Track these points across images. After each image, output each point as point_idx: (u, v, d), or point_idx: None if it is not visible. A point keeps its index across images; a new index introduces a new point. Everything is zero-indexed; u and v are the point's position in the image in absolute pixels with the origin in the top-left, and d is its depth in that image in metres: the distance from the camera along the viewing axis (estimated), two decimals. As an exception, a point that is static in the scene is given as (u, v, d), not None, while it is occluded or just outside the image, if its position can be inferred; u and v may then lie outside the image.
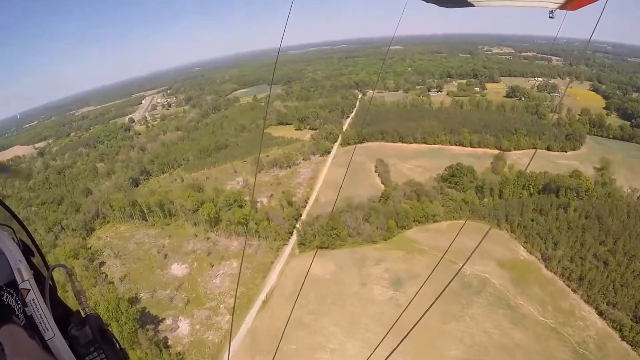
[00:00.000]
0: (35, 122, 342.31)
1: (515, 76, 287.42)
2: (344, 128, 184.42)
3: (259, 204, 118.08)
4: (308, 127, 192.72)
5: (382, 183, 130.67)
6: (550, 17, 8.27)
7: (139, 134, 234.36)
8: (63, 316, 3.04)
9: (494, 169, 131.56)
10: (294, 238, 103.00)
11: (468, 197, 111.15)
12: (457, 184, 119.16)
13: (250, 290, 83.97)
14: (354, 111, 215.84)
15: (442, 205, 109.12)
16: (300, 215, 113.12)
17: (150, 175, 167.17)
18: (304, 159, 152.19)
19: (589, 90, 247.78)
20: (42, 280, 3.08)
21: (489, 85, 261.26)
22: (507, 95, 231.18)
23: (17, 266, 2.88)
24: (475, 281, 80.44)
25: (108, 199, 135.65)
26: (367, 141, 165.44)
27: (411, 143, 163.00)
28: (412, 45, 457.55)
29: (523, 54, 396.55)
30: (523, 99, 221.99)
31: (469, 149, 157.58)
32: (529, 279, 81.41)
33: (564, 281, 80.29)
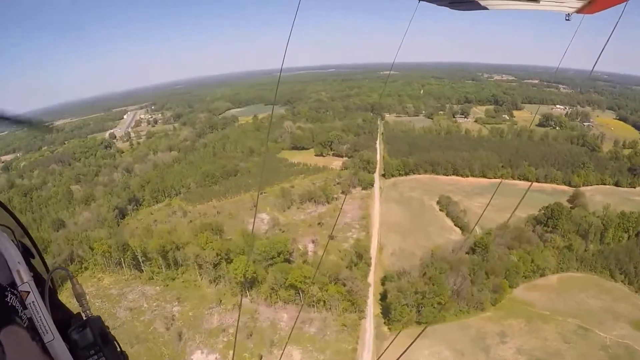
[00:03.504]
0: (5, 133, 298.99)
1: (534, 103, 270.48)
2: (378, 156, 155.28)
3: (309, 255, 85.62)
4: (331, 152, 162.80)
5: (457, 226, 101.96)
6: (566, 20, 8.01)
7: (122, 152, 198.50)
8: (64, 319, 3.01)
9: (584, 208, 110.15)
10: (370, 307, 71.64)
11: (574, 244, 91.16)
12: (556, 227, 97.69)
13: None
14: (378, 135, 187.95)
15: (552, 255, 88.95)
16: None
17: (140, 205, 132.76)
18: (343, 193, 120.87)
19: (615, 119, 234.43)
20: (42, 282, 3.04)
21: (514, 113, 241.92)
22: (541, 124, 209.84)
23: (17, 268, 2.85)
24: (620, 351, 66.94)
25: (87, 238, 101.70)
26: (414, 173, 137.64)
27: (467, 176, 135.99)
28: (408, 71, 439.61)
29: (526, 81, 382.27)
30: (558, 128, 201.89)
31: (535, 184, 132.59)
32: (673, 341, 68.30)
33: None
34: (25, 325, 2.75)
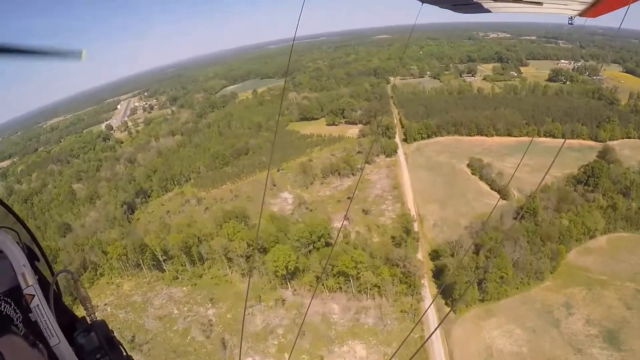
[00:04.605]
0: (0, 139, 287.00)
1: (538, 59, 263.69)
2: (395, 120, 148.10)
3: (351, 234, 78.93)
4: (344, 120, 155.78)
5: (494, 190, 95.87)
6: (569, 24, 7.94)
7: (122, 142, 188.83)
8: (68, 323, 3.04)
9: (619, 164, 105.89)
10: (427, 289, 66.19)
11: (618, 203, 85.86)
12: (597, 186, 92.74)
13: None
14: (390, 99, 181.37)
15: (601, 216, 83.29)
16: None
17: (149, 196, 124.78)
18: (367, 162, 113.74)
19: (622, 72, 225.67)
20: (47, 286, 3.04)
21: (521, 69, 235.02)
22: (550, 79, 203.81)
23: (22, 271, 2.85)
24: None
25: (98, 241, 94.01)
26: (437, 135, 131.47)
27: (492, 136, 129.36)
28: (402, 34, 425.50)
29: (523, 38, 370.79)
30: (569, 82, 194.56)
31: (562, 140, 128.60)
32: None
33: None
34: (22, 333, 2.73)
